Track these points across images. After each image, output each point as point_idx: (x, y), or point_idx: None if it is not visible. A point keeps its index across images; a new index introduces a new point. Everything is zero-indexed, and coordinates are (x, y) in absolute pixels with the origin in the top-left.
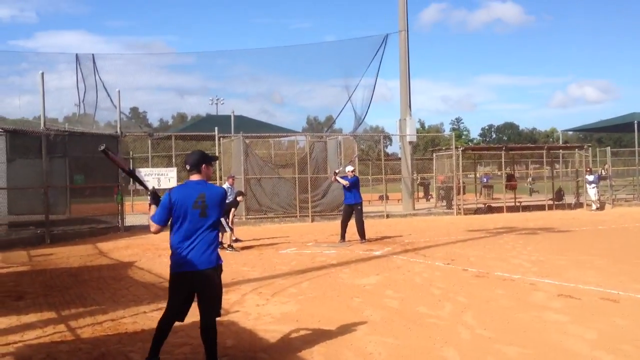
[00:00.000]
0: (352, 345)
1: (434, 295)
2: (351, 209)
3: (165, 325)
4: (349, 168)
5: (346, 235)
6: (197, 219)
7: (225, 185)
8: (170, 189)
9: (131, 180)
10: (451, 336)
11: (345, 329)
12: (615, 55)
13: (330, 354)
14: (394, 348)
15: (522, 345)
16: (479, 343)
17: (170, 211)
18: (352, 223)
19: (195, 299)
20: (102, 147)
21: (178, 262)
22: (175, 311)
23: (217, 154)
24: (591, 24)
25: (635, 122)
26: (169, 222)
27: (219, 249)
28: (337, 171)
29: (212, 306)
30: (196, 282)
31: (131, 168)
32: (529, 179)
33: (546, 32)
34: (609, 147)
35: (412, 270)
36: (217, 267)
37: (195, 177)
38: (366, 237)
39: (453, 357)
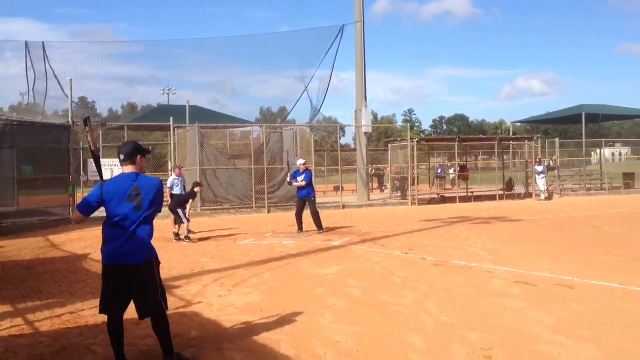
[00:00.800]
0: (318, 334)
1: (396, 284)
2: (303, 201)
3: (113, 327)
4: (300, 161)
5: (303, 226)
6: (131, 212)
7: (173, 177)
8: (104, 181)
9: (82, 171)
10: (415, 324)
11: (310, 319)
12: (560, 50)
13: (297, 343)
14: (360, 336)
15: (485, 330)
16: (443, 330)
17: (98, 204)
18: (308, 214)
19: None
20: (86, 116)
21: (111, 253)
22: (110, 303)
23: (171, 145)
24: (538, 18)
25: (583, 114)
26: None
27: (175, 240)
28: (289, 180)
29: (150, 299)
30: (130, 276)
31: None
32: (452, 171)
33: (495, 25)
34: (557, 139)
35: (372, 259)
36: (153, 260)
37: (128, 169)
38: (324, 228)
39: (419, 344)
